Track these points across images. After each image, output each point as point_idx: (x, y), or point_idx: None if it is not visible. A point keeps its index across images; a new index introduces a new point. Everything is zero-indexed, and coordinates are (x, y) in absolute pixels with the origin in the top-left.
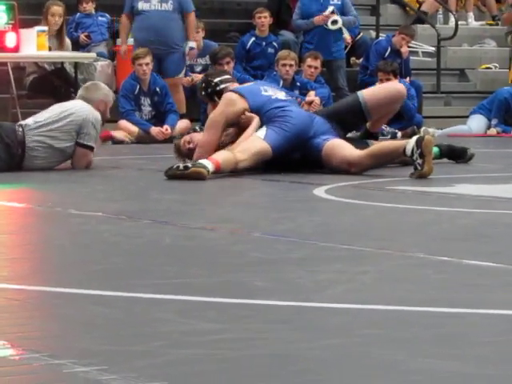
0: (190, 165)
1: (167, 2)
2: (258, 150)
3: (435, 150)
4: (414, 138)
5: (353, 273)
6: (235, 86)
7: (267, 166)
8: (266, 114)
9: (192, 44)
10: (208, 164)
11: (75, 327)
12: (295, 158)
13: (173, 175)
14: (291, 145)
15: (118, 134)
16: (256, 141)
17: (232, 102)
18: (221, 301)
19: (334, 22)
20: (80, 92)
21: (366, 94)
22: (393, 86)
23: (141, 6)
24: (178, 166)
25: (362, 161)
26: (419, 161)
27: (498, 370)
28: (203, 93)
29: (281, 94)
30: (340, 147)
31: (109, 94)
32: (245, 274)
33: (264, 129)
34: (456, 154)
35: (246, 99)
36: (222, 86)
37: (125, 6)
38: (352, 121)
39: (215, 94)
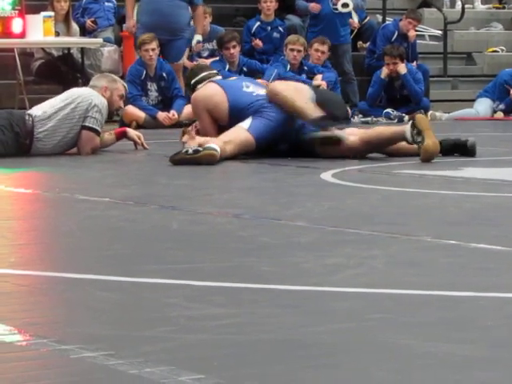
0: (200, 148)
1: None
2: (241, 141)
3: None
4: (408, 125)
5: (361, 257)
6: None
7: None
8: (252, 107)
9: (199, 37)
10: (214, 146)
11: (82, 312)
12: (282, 149)
13: (181, 159)
14: (276, 135)
15: (131, 133)
16: (240, 131)
17: (210, 92)
18: (228, 285)
19: (345, 5)
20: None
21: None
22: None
23: None
24: (187, 151)
25: (357, 147)
26: (419, 139)
27: (507, 353)
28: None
29: (262, 91)
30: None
31: (115, 81)
32: (253, 259)
33: (249, 119)
34: (458, 148)
35: (225, 93)
36: (200, 85)
37: None
38: None
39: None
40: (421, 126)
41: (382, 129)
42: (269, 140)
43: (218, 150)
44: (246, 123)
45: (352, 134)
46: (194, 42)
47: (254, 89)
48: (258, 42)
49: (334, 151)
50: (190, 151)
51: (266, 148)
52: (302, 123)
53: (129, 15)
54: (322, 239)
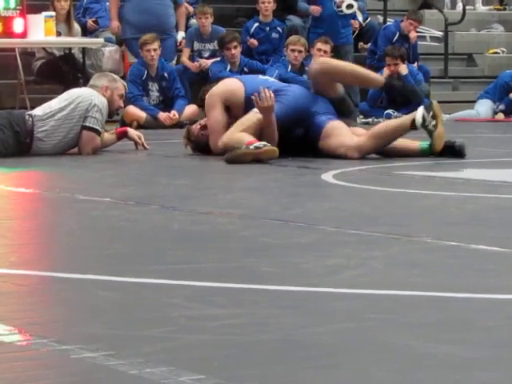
0: (260, 145)
1: None
2: (252, 120)
3: (424, 144)
4: (420, 108)
5: (362, 258)
6: None
7: None
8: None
9: (183, 34)
10: (264, 143)
11: (82, 312)
12: (298, 134)
13: (243, 154)
14: (291, 118)
15: (131, 133)
16: (255, 116)
17: (228, 82)
18: (229, 286)
19: (349, 6)
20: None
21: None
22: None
23: None
24: (248, 146)
25: (363, 145)
26: (433, 122)
27: (508, 353)
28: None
29: (278, 82)
30: (341, 131)
31: (115, 80)
32: (254, 259)
33: None
34: (447, 150)
35: (242, 82)
36: None
37: None
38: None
39: None
40: (437, 111)
41: (386, 122)
42: (285, 123)
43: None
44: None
45: (356, 134)
46: (178, 38)
47: (271, 79)
48: (254, 42)
49: (337, 147)
50: (252, 147)
51: (284, 132)
52: (315, 108)
53: (112, 16)
54: (323, 240)
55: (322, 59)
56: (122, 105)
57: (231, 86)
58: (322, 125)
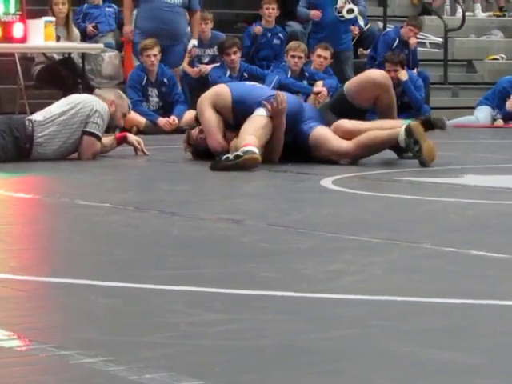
0: (240, 153)
1: None
2: (265, 125)
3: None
4: (402, 128)
5: (361, 264)
6: None
7: None
8: (260, 98)
9: (195, 42)
10: (253, 148)
11: (82, 318)
12: (288, 140)
13: (223, 167)
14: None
15: (131, 138)
16: (259, 119)
17: (215, 87)
18: (229, 292)
19: (350, 11)
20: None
21: (349, 82)
22: (370, 73)
23: None
24: (228, 157)
25: (352, 152)
26: (416, 148)
27: (509, 360)
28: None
29: (265, 87)
30: (327, 138)
31: (122, 98)
32: (253, 265)
33: (261, 109)
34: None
35: (228, 87)
36: None
37: None
38: (342, 108)
39: None
40: (418, 134)
41: (375, 132)
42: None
43: (257, 151)
44: (261, 110)
45: (341, 129)
46: (189, 45)
47: (259, 84)
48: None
49: (325, 152)
50: (231, 157)
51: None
52: (303, 117)
53: (126, 21)
54: (323, 245)
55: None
56: (122, 124)
57: (218, 90)
58: (308, 132)
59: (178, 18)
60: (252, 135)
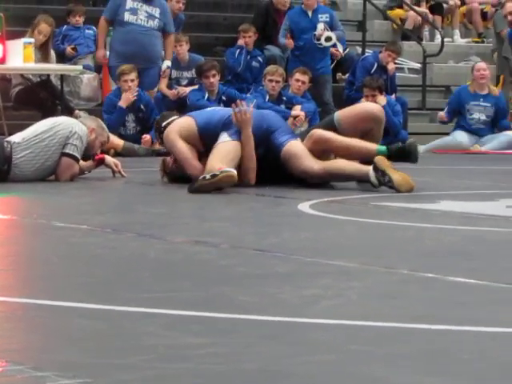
0: (217, 172)
1: (154, 20)
2: (235, 150)
3: (382, 148)
4: (370, 171)
5: (338, 288)
6: None
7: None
8: (222, 118)
9: (169, 63)
10: (229, 168)
11: (59, 339)
12: (259, 153)
13: (201, 186)
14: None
15: (108, 160)
16: (227, 144)
17: (179, 120)
18: (206, 315)
19: (328, 39)
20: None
21: (341, 112)
22: (366, 106)
23: (127, 17)
24: (204, 177)
25: (320, 175)
26: (386, 178)
27: None
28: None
29: (225, 109)
30: (300, 156)
31: (103, 128)
32: (230, 289)
33: (225, 132)
34: (404, 153)
35: (191, 117)
36: None
37: (105, 10)
38: None
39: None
40: (383, 166)
41: (345, 164)
42: None
43: (234, 170)
44: (225, 135)
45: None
46: (163, 66)
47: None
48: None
49: (296, 170)
50: (208, 176)
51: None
52: (267, 126)
53: (100, 45)
54: (300, 270)
55: (315, 135)
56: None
57: (182, 123)
58: (281, 147)
59: (153, 41)
60: (220, 163)
